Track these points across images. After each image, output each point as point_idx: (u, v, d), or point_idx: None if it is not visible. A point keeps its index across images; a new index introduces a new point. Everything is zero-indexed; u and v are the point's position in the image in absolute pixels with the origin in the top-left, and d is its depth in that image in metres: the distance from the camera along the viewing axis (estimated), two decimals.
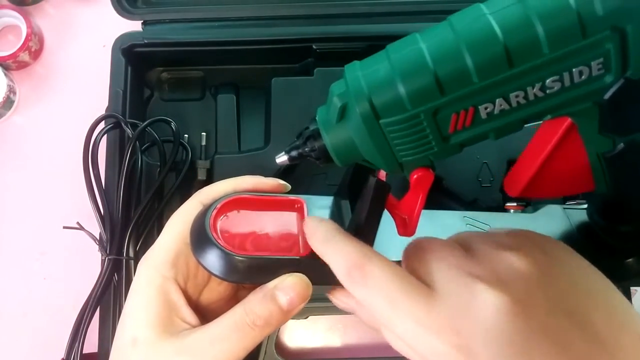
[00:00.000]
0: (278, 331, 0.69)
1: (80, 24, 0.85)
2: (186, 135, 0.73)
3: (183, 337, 0.44)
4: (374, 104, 0.39)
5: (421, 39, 0.39)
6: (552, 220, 0.56)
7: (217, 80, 0.77)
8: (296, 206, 0.51)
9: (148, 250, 0.49)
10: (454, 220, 0.57)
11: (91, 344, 0.66)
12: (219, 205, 0.48)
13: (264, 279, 0.49)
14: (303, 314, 0.70)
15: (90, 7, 0.85)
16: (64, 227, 0.69)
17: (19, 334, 0.74)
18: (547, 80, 0.37)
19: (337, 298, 0.48)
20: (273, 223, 0.50)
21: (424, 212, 0.53)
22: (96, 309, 0.66)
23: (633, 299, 0.59)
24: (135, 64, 0.73)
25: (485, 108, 0.38)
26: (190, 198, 0.50)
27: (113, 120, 0.68)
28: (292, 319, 0.68)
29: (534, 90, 0.38)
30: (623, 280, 0.52)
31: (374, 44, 0.71)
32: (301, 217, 0.50)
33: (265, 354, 0.68)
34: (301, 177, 0.70)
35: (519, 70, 0.37)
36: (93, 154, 0.67)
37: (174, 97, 0.77)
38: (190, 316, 0.46)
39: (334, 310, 0.69)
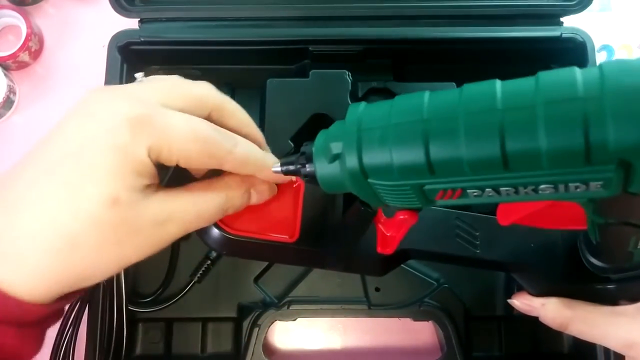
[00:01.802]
0: (266, 332, 0.68)
1: (80, 24, 0.85)
2: None
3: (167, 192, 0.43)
4: (364, 164, 0.39)
5: (427, 107, 0.38)
6: (543, 232, 0.56)
7: (213, 79, 0.72)
8: (295, 184, 0.53)
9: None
10: (445, 219, 0.57)
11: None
12: None
13: (254, 256, 0.51)
14: (291, 316, 0.69)
15: (90, 7, 0.85)
16: None
17: None
18: (541, 186, 0.36)
19: (520, 302, 0.57)
20: (272, 201, 0.51)
21: None
22: (85, 305, 0.66)
23: None
24: (131, 61, 0.72)
25: (474, 192, 0.38)
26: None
27: None
28: (280, 320, 0.69)
29: (526, 190, 0.36)
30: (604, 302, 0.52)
31: (370, 47, 0.72)
32: (299, 198, 0.53)
33: (252, 354, 0.68)
34: None
35: (513, 174, 0.35)
36: None
37: None
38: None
39: (321, 312, 0.70)
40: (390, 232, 0.48)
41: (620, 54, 0.85)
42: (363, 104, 0.42)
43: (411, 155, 0.37)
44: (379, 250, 0.49)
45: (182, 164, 0.43)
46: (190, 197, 0.44)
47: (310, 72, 0.71)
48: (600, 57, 0.84)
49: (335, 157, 0.41)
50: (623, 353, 0.51)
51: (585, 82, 0.33)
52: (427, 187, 0.38)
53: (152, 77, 0.47)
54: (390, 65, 0.75)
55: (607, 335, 0.51)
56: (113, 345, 0.66)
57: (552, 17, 0.72)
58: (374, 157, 0.39)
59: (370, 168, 0.39)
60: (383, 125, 0.38)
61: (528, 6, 0.72)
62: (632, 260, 0.47)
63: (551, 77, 0.34)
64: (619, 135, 0.31)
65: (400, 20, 0.73)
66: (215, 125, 0.45)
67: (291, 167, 0.45)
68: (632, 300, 0.51)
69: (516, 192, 0.37)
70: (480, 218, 0.58)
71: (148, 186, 0.41)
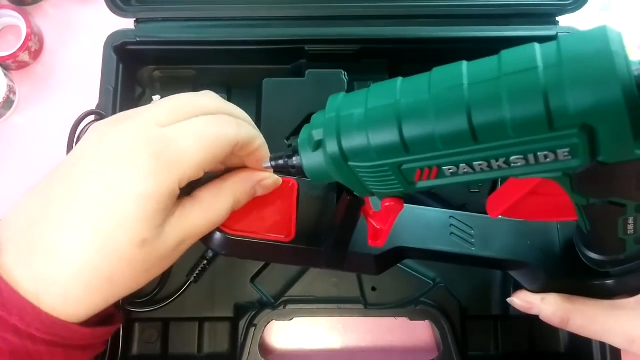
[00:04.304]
0: (262, 332, 0.68)
1: (80, 23, 0.85)
2: None
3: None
4: (343, 148, 0.41)
5: (400, 90, 0.39)
6: (540, 230, 0.56)
7: (209, 79, 0.77)
8: (289, 185, 0.54)
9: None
10: (439, 218, 0.58)
11: None
12: None
13: (252, 256, 0.52)
14: (287, 315, 0.70)
15: (90, 7, 0.85)
16: None
17: None
18: (512, 157, 0.37)
19: (519, 299, 0.57)
20: (267, 202, 0.53)
21: (413, 207, 0.57)
22: None
23: None
24: (127, 61, 0.73)
25: (449, 169, 0.39)
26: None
27: (97, 118, 0.68)
28: (276, 320, 0.69)
29: (498, 162, 0.38)
30: (604, 298, 0.52)
31: (366, 47, 0.72)
32: (293, 198, 0.54)
33: (249, 354, 0.68)
34: None
35: (483, 146, 0.37)
36: None
37: (166, 95, 0.76)
38: None
39: (318, 312, 0.71)
40: (380, 225, 0.49)
41: None
42: (342, 93, 0.44)
43: (386, 134, 0.39)
44: (370, 243, 0.50)
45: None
46: (200, 209, 0.46)
47: (306, 72, 0.71)
48: None
49: (318, 144, 0.43)
50: (626, 349, 0.51)
51: (544, 53, 0.35)
52: (404, 166, 0.40)
53: (159, 100, 0.49)
54: (386, 64, 0.75)
55: (608, 330, 0.50)
56: (109, 345, 0.66)
57: (547, 16, 0.72)
58: (352, 139, 0.40)
59: (350, 150, 0.41)
60: (360, 110, 0.40)
61: (524, 5, 0.72)
62: (625, 249, 0.47)
63: (512, 53, 0.36)
64: (577, 98, 0.33)
65: (395, 19, 0.73)
66: (217, 117, 0.47)
67: (280, 162, 0.47)
68: (632, 294, 0.51)
69: (489, 167, 0.38)
70: (474, 217, 0.58)
71: (167, 215, 0.44)
